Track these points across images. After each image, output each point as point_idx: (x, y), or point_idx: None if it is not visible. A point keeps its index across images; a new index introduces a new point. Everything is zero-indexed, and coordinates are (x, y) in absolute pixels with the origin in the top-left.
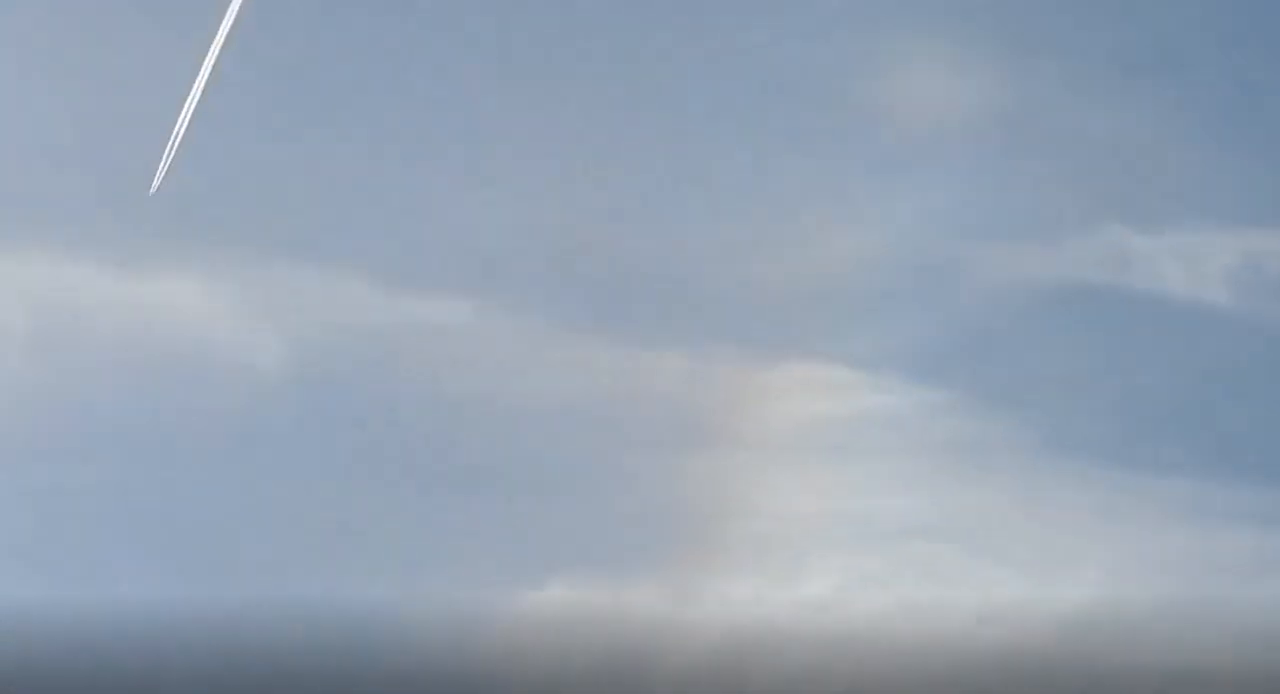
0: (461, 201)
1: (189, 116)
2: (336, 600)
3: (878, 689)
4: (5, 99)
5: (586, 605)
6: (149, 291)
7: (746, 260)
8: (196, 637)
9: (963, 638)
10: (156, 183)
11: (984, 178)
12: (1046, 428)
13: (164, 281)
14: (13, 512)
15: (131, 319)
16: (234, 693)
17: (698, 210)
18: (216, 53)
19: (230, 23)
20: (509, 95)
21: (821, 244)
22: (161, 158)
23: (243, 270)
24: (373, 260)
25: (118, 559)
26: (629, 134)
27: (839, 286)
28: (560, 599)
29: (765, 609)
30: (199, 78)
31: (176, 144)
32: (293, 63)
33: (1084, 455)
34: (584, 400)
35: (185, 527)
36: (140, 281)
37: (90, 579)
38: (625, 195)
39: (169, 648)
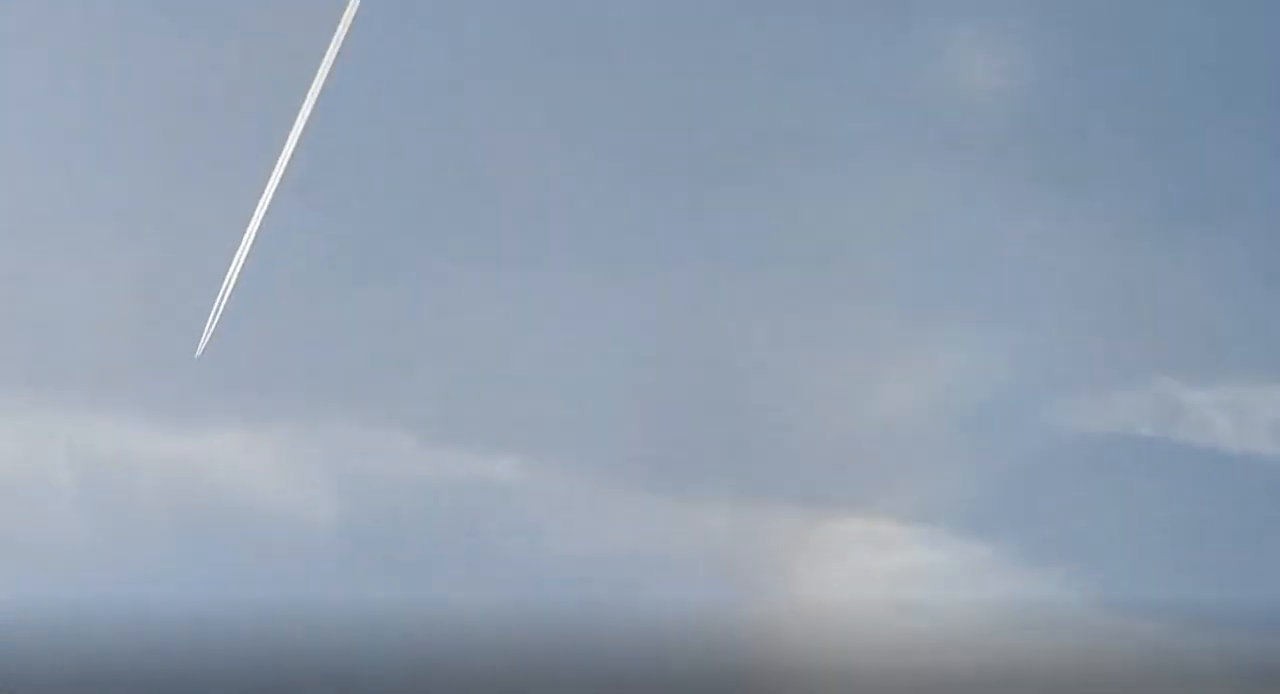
0: (504, 359)
1: (234, 279)
2: None
3: None
4: (53, 262)
5: None
6: (196, 446)
7: (794, 413)
8: None
9: None
10: (202, 346)
11: (1032, 329)
12: (1098, 581)
13: (211, 436)
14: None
15: (179, 474)
16: None
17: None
18: (262, 213)
19: (278, 181)
20: (547, 274)
21: (870, 396)
22: (207, 320)
23: (290, 425)
24: (420, 416)
25: None
26: (682, 288)
27: (886, 439)
28: None
29: None
30: (245, 239)
31: (222, 307)
32: (339, 220)
33: (1136, 609)
34: (630, 553)
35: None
36: (187, 436)
37: None
38: (676, 346)
39: None
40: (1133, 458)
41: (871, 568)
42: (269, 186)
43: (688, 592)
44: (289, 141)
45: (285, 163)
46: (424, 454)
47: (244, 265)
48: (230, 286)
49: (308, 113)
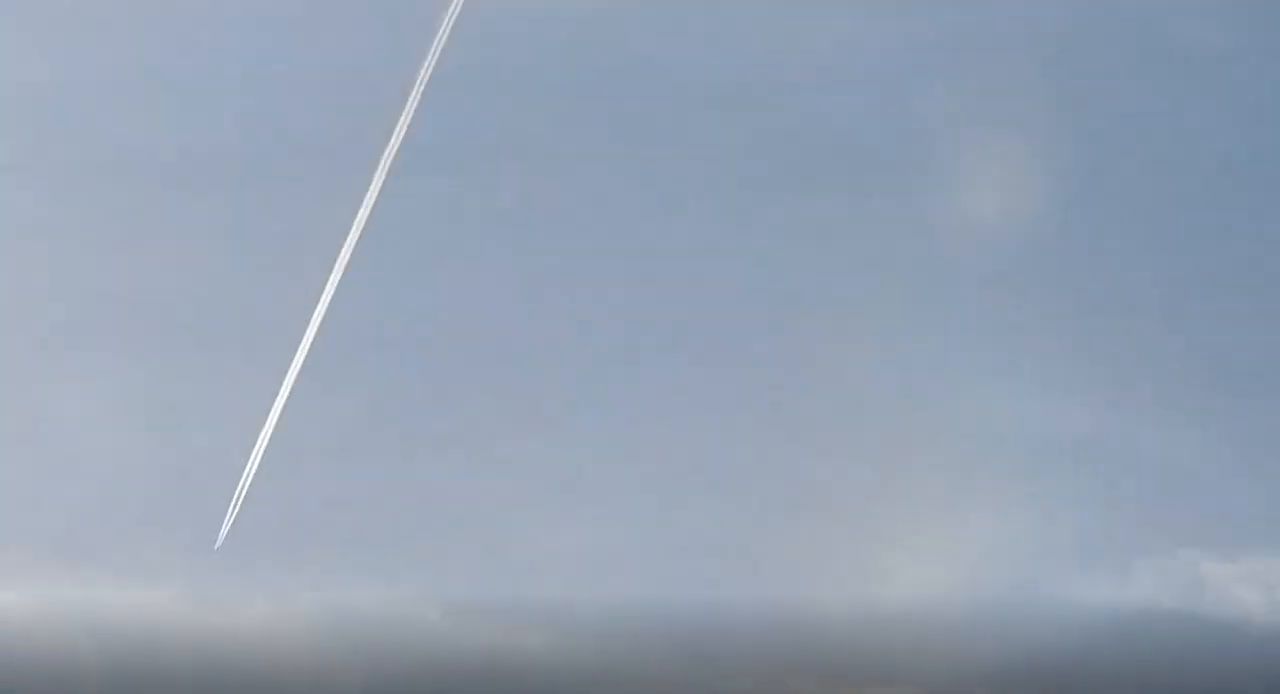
0: (533, 534)
1: (257, 461)
2: None
3: None
4: (74, 438)
5: None
6: (221, 620)
7: (820, 590)
8: None
9: None
10: (222, 537)
11: (1055, 502)
12: None
13: (235, 609)
14: None
15: (204, 648)
16: None
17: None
18: (286, 391)
19: (302, 359)
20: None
21: (893, 569)
22: (229, 507)
23: (315, 597)
24: (447, 589)
25: None
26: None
27: (912, 613)
28: None
29: None
30: (269, 419)
31: (244, 490)
32: (364, 394)
33: None
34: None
35: None
36: (212, 610)
37: None
38: (702, 520)
39: None
40: (1158, 631)
41: None
42: (293, 364)
43: None
44: (312, 320)
45: (309, 341)
46: (450, 627)
47: (268, 444)
48: (253, 468)
49: (331, 288)
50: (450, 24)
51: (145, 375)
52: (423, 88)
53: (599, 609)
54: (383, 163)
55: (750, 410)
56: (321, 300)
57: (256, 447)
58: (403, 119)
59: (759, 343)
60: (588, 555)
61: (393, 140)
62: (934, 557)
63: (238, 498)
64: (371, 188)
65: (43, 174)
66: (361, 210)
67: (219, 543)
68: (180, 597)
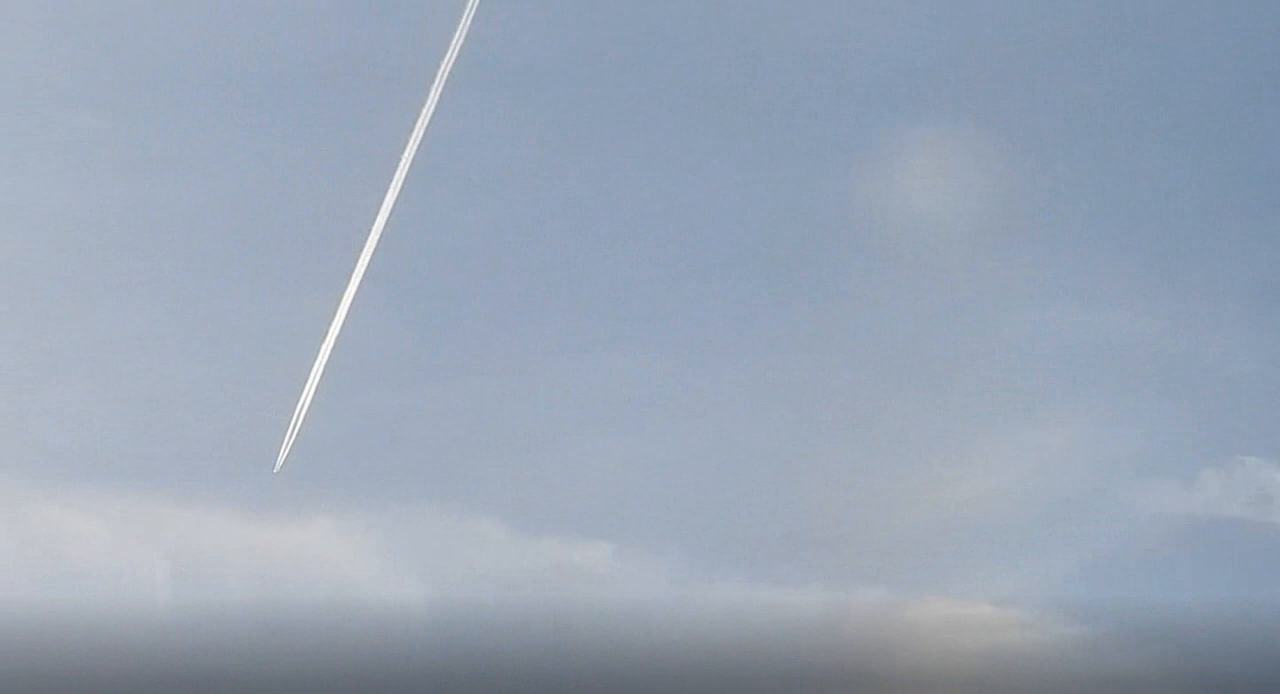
0: (592, 446)
1: (318, 376)
2: None
3: None
4: (136, 360)
5: None
6: (287, 538)
7: (883, 502)
8: None
9: None
10: (281, 460)
11: (1120, 412)
12: (1192, 664)
13: (301, 527)
14: None
15: (271, 565)
16: None
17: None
18: (345, 308)
19: (361, 275)
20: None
21: (959, 481)
22: (286, 432)
23: (382, 515)
24: (510, 505)
25: None
26: (769, 377)
27: (976, 524)
28: None
29: None
30: (329, 334)
31: (301, 418)
32: (425, 308)
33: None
34: (720, 643)
35: None
36: (278, 528)
37: None
38: (764, 435)
39: None
40: (1223, 540)
41: (967, 650)
42: (352, 280)
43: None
44: (370, 236)
45: (368, 257)
46: (514, 542)
47: (329, 359)
48: (315, 382)
49: (390, 203)
50: None
51: (202, 293)
52: (477, 5)
53: (660, 514)
54: (438, 80)
55: (805, 332)
56: (377, 221)
57: (315, 365)
58: (457, 35)
59: (810, 265)
60: (645, 461)
61: (448, 57)
62: (998, 468)
63: (295, 422)
64: (427, 105)
65: (98, 90)
66: (417, 127)
67: (278, 465)
68: (247, 516)
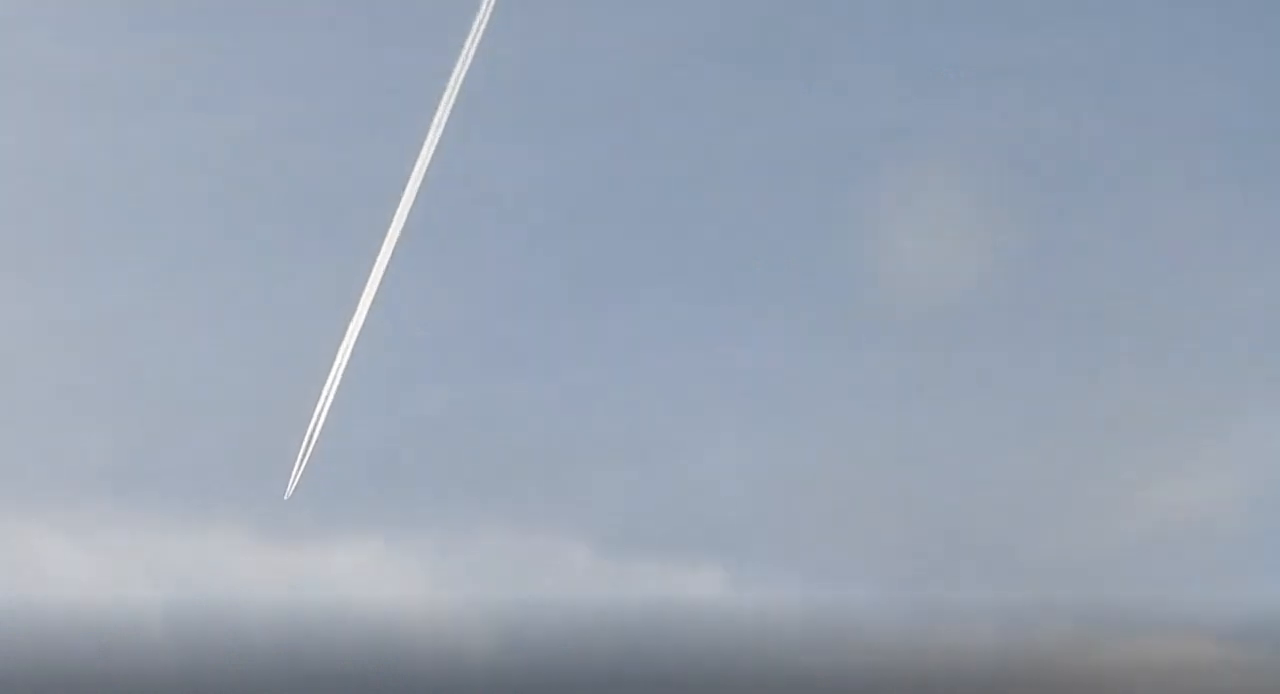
0: (706, 450)
1: (339, 375)
2: None
3: None
4: (147, 372)
5: None
6: (304, 565)
7: (1074, 510)
8: None
9: None
10: (291, 487)
11: None
12: None
13: (322, 552)
14: None
15: (286, 599)
16: None
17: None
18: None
19: (396, 238)
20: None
21: (1173, 482)
22: (297, 456)
23: (426, 536)
24: (596, 521)
25: None
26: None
27: (1195, 537)
28: None
29: None
30: (353, 323)
31: (321, 418)
32: (481, 282)
33: None
34: (871, 684)
35: None
36: (295, 552)
37: None
38: (899, 431)
39: None
40: None
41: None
42: (388, 239)
43: None
44: (409, 186)
45: (406, 211)
46: (601, 568)
47: (358, 344)
48: (340, 371)
49: (432, 144)
50: None
51: (222, 277)
52: None
53: (783, 533)
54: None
55: (968, 293)
56: (416, 168)
57: (341, 349)
58: None
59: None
60: (765, 477)
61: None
62: (1226, 465)
63: (307, 447)
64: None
65: (99, 30)
66: (466, 49)
67: (289, 492)
68: (260, 530)
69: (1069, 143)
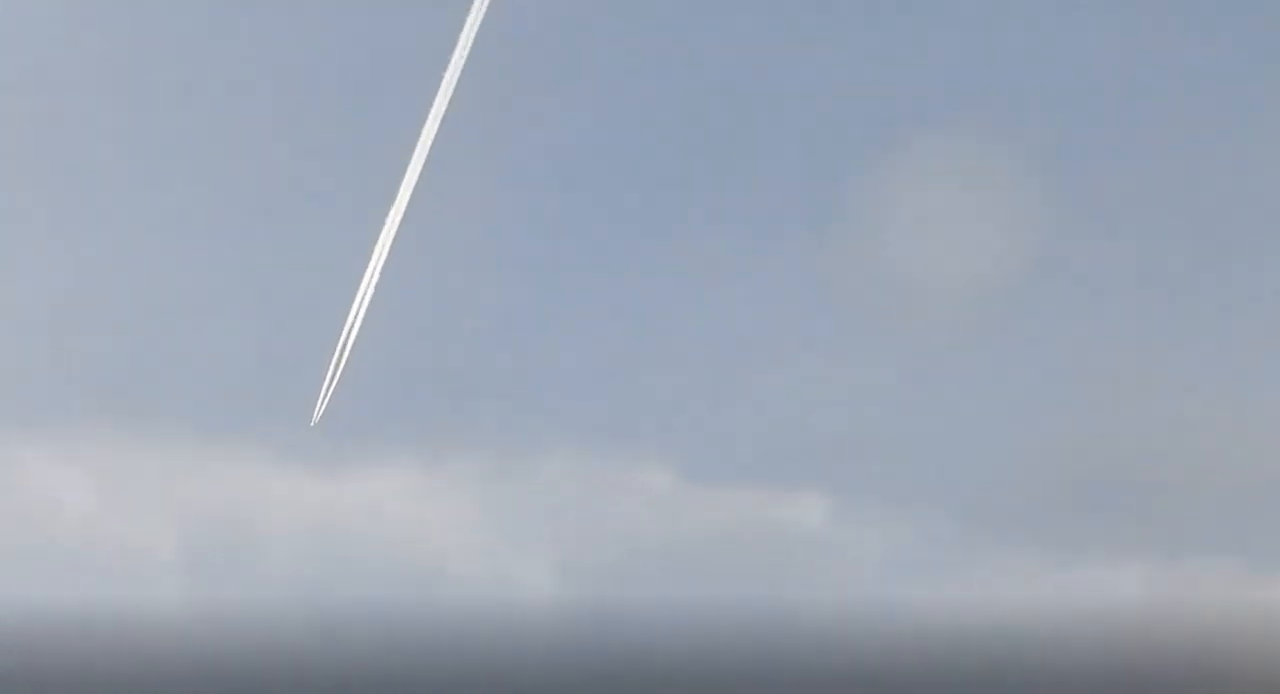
0: (808, 367)
1: (378, 271)
2: None
3: None
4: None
5: None
6: (341, 495)
7: (1238, 434)
8: None
9: None
10: (318, 413)
11: None
12: None
13: (362, 481)
14: None
15: (325, 533)
16: None
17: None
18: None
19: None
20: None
21: None
22: (323, 384)
23: (483, 461)
24: (684, 444)
25: None
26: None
27: None
28: None
29: None
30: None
31: (343, 363)
32: (549, 170)
33: None
34: (987, 636)
35: None
36: (330, 481)
37: None
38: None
39: None
40: None
41: None
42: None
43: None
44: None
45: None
46: (688, 496)
47: (400, 234)
48: (379, 265)
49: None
50: None
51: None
52: None
53: (897, 458)
54: None
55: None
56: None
57: (380, 240)
58: None
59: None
60: (876, 396)
61: None
62: None
63: (335, 369)
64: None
65: None
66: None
67: (315, 419)
68: (290, 457)
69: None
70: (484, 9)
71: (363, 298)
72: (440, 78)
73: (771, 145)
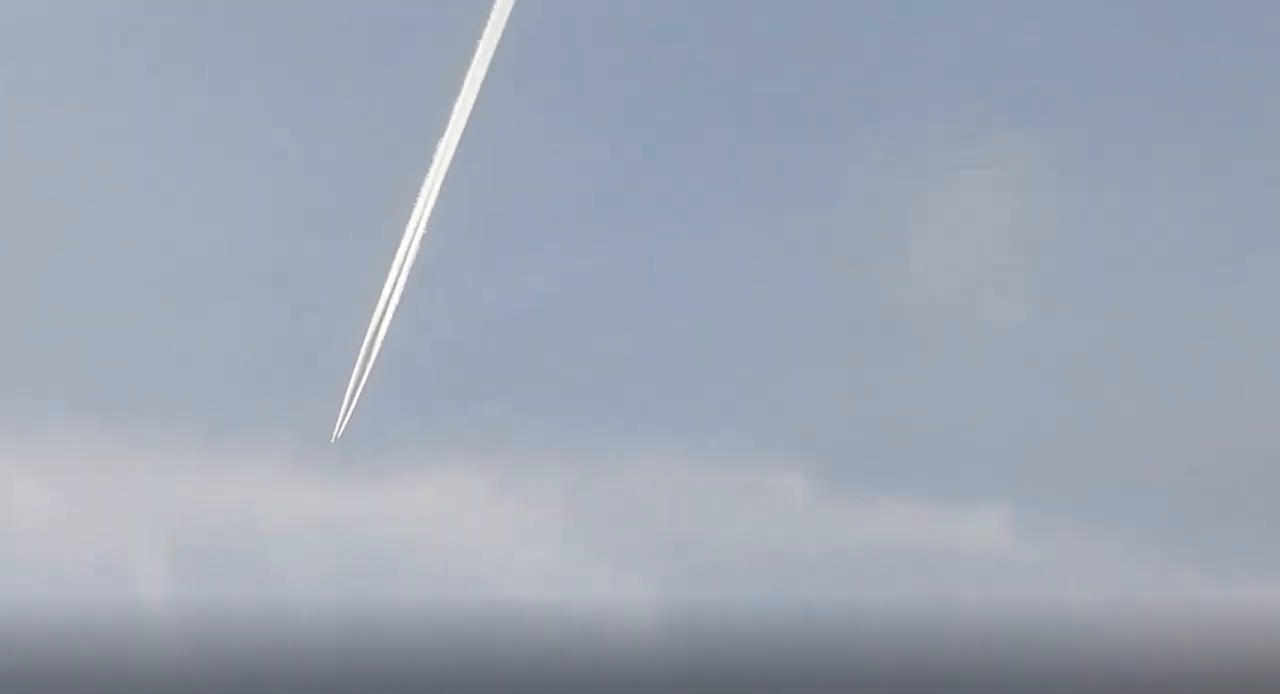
0: (975, 362)
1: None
2: None
3: None
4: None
5: None
6: (375, 499)
7: None
8: None
9: None
10: (339, 430)
11: None
12: None
13: (421, 485)
14: None
15: (341, 534)
16: None
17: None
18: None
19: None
20: None
21: None
22: (345, 399)
23: (564, 466)
24: (824, 447)
25: None
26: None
27: None
28: None
29: None
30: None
31: (363, 383)
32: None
33: None
34: (1189, 655)
35: None
36: (382, 490)
37: None
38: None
39: None
40: None
41: None
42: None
43: None
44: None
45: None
46: (829, 506)
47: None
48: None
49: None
50: None
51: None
52: None
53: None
54: None
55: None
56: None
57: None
58: None
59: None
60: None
61: None
62: None
63: (355, 388)
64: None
65: None
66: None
67: (335, 436)
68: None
69: None
70: (500, 34)
71: (386, 303)
72: (460, 86)
73: None
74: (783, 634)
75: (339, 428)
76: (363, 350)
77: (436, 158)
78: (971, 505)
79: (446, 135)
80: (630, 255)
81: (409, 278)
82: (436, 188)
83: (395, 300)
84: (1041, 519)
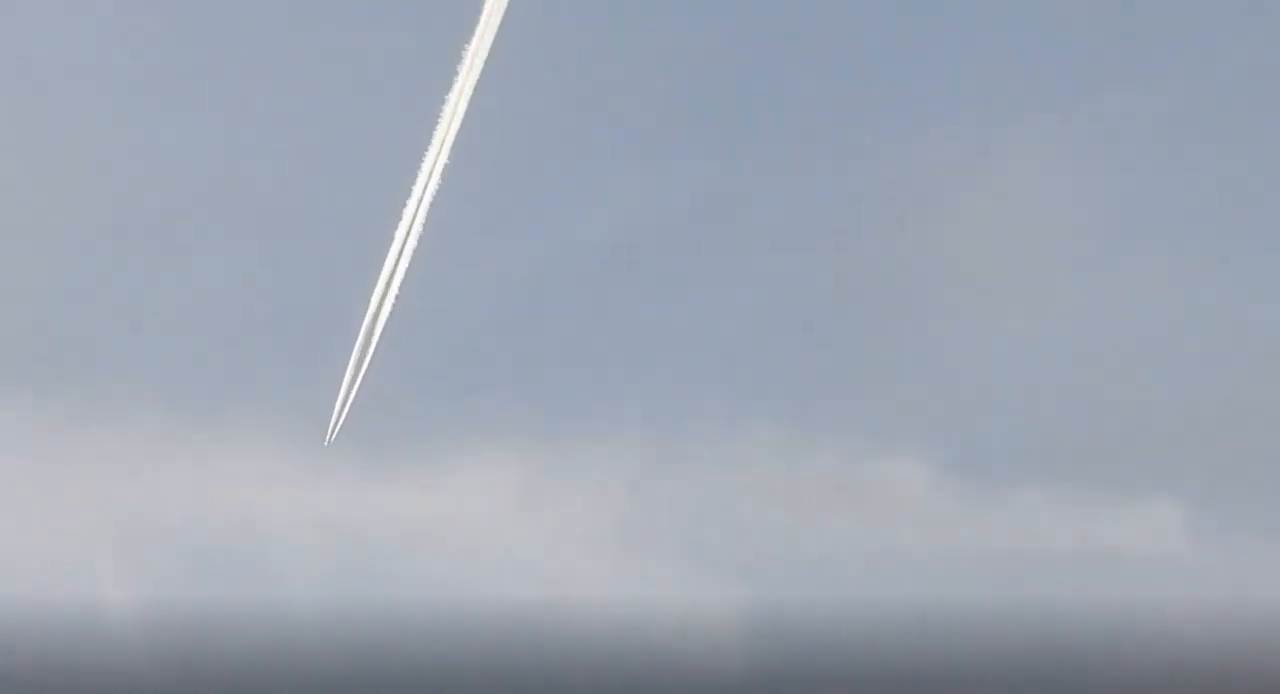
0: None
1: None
2: None
3: None
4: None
5: None
6: (423, 496)
7: None
8: None
9: None
10: (331, 434)
11: None
12: None
13: (444, 467)
14: None
15: (403, 531)
16: None
17: None
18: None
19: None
20: None
21: None
22: (336, 406)
23: (630, 451)
24: (950, 429)
25: None
26: None
27: None
28: None
29: None
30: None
31: (357, 387)
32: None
33: None
34: None
35: None
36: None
37: None
38: None
39: None
40: None
41: None
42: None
43: None
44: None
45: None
46: (956, 495)
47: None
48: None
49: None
50: None
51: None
52: None
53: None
54: None
55: None
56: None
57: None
58: None
59: None
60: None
61: None
62: None
63: (349, 393)
64: None
65: None
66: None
67: (329, 439)
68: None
69: None
70: (494, 33)
71: (385, 293)
72: (450, 85)
73: None
74: (897, 638)
75: (334, 426)
76: (363, 329)
77: (448, 108)
78: (1133, 501)
79: (460, 78)
80: (719, 187)
81: (424, 230)
82: (454, 128)
83: (404, 264)
84: (1212, 517)
